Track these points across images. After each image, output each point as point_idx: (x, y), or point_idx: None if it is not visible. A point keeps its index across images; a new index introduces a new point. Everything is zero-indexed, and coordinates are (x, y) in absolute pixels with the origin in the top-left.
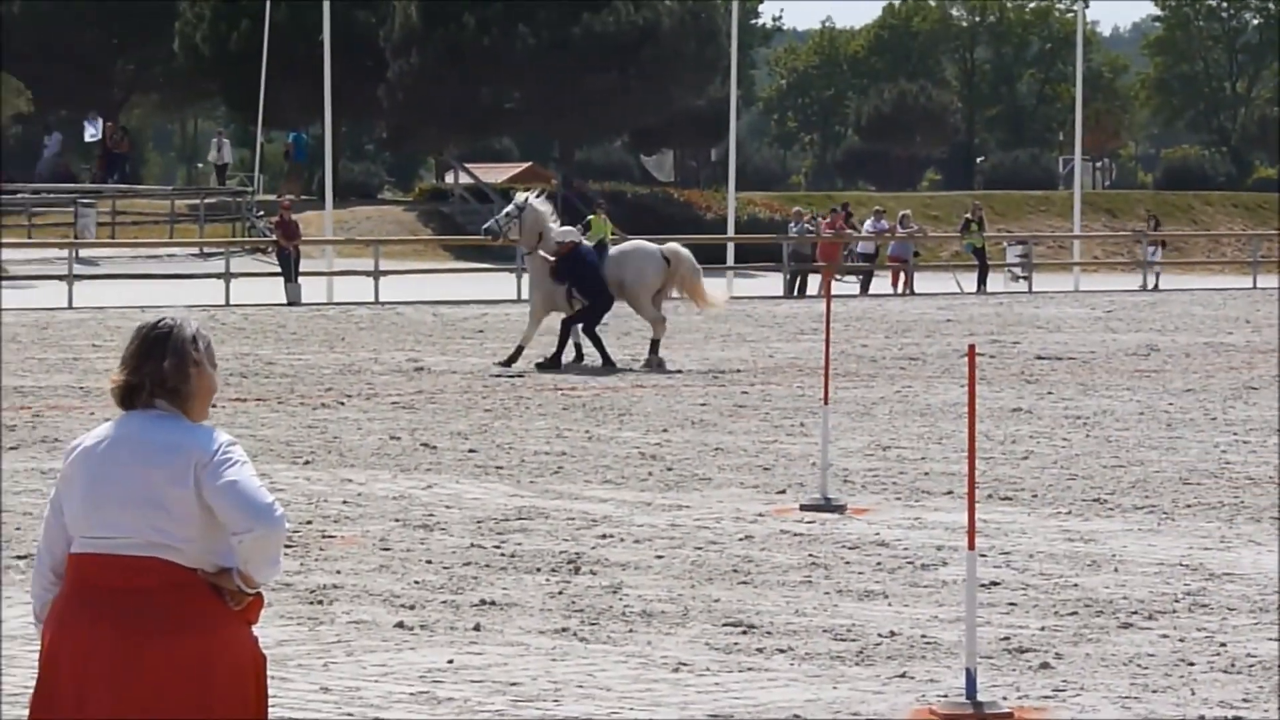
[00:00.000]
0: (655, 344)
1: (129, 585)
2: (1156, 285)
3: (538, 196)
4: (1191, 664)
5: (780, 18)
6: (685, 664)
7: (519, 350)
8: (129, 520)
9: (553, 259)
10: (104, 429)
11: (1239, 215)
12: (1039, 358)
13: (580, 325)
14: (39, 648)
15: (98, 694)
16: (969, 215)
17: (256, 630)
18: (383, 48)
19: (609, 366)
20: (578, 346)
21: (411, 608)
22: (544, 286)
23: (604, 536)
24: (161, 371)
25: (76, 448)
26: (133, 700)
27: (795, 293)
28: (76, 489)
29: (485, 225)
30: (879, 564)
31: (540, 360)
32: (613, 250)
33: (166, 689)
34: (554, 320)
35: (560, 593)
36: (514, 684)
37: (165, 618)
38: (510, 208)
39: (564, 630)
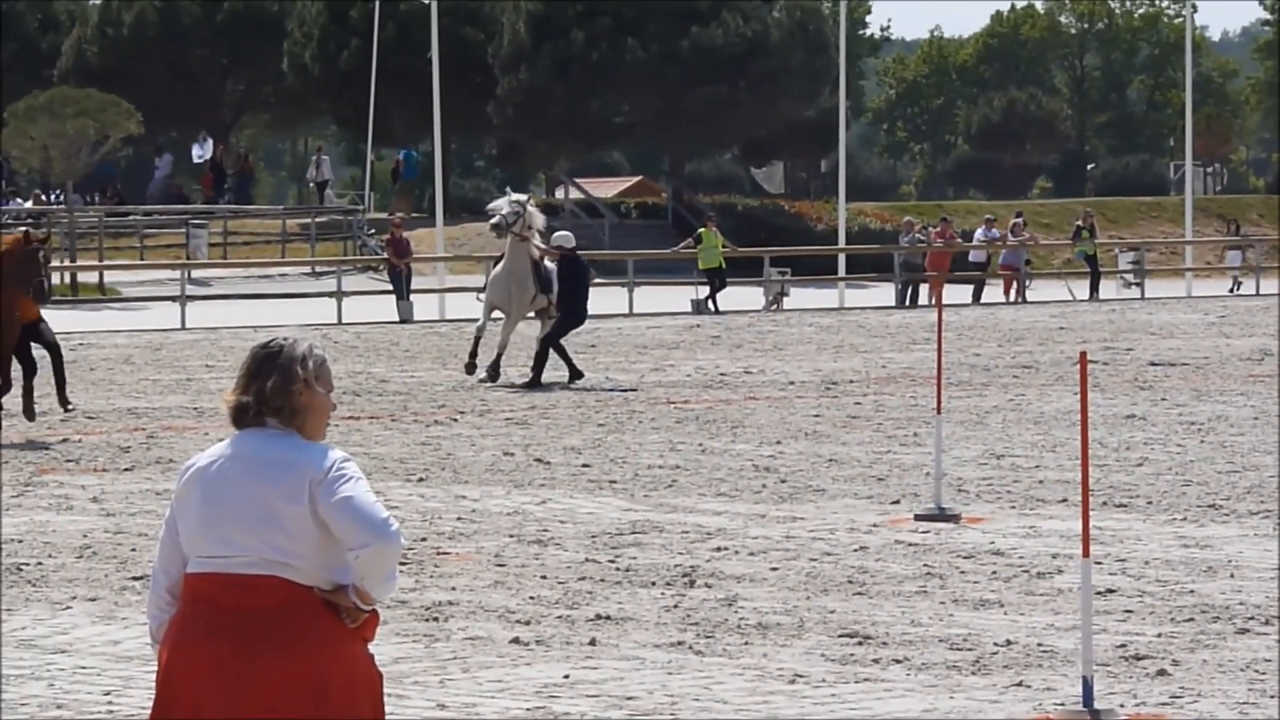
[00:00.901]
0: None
1: (246, 604)
2: (1235, 289)
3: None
4: None
5: (889, 27)
6: (801, 675)
7: (498, 358)
8: (244, 538)
9: (548, 259)
10: (218, 448)
11: None
12: (1152, 364)
13: (550, 338)
14: (155, 668)
15: (214, 712)
16: (1080, 222)
17: (373, 648)
18: (491, 64)
19: (578, 377)
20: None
21: (527, 623)
22: (525, 286)
23: (718, 549)
24: (266, 390)
25: (190, 467)
26: (249, 718)
27: (907, 303)
28: (191, 508)
29: (493, 221)
30: (994, 573)
31: (525, 380)
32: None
33: (282, 707)
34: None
35: (675, 606)
36: (630, 698)
37: (281, 635)
38: (512, 202)
39: (680, 644)
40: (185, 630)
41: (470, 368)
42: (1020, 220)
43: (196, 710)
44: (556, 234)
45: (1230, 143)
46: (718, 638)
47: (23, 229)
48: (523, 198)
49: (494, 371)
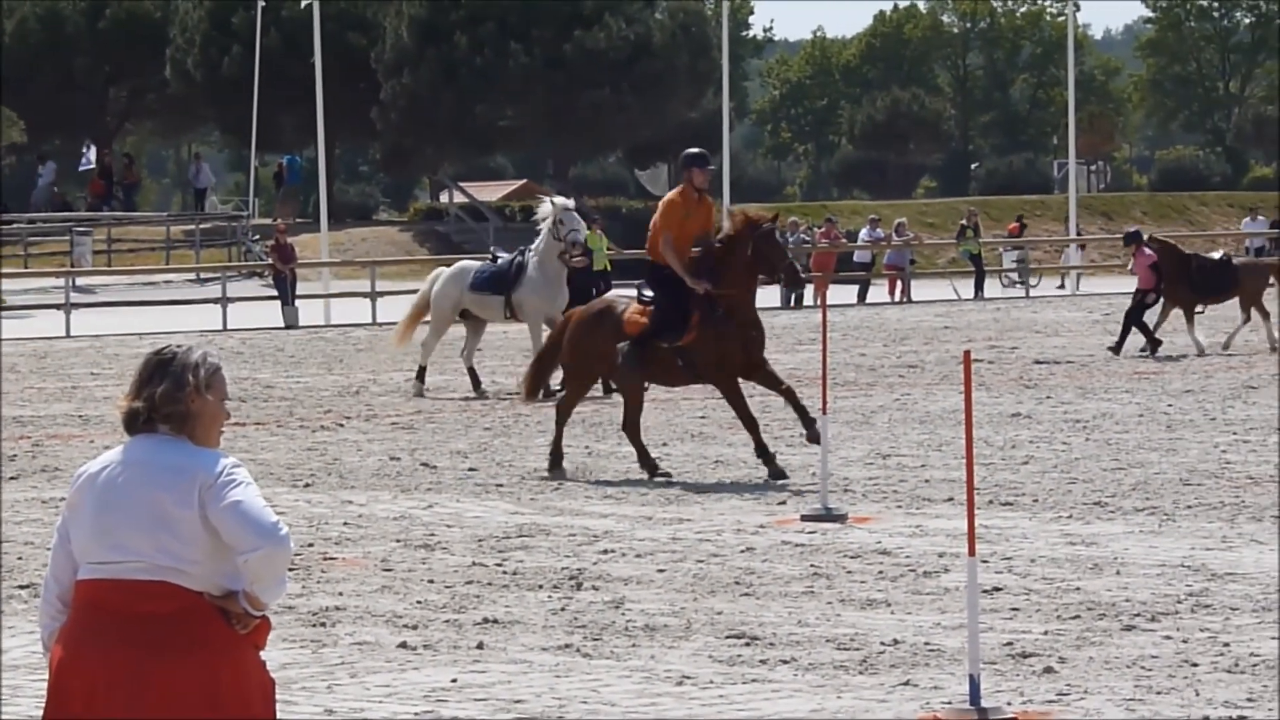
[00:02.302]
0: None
1: (137, 610)
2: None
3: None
4: (1195, 665)
5: (771, 28)
6: (689, 677)
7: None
8: (136, 543)
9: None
10: (110, 455)
11: (1236, 215)
12: (1037, 362)
13: None
14: (45, 675)
15: (106, 717)
16: (964, 222)
17: (261, 654)
18: (375, 69)
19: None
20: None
21: (414, 628)
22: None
23: (605, 552)
24: (157, 397)
25: (83, 474)
26: None
27: (792, 303)
28: (83, 515)
29: (578, 241)
30: (881, 572)
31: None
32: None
33: (175, 713)
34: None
35: (563, 609)
36: (518, 701)
37: (173, 642)
38: (570, 218)
39: (567, 646)
40: (76, 637)
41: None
42: (903, 220)
43: (89, 716)
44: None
45: (1113, 141)
46: (605, 640)
47: None
48: (571, 204)
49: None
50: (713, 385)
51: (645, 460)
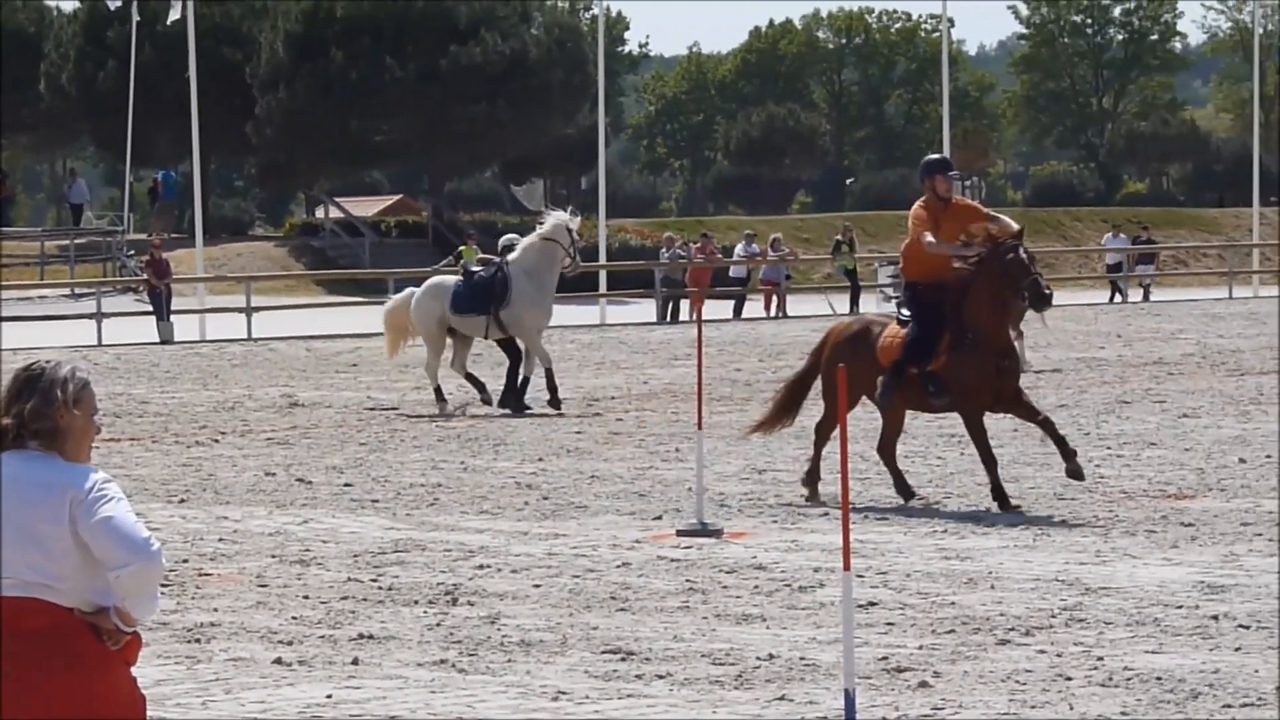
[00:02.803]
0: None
1: (9, 626)
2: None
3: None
4: (1069, 679)
5: (647, 44)
6: (564, 692)
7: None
8: (7, 559)
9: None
10: None
11: (1108, 230)
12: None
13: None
14: None
15: None
16: (840, 237)
17: (134, 670)
18: (251, 84)
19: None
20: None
21: (289, 643)
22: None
23: (481, 567)
24: (26, 413)
25: None
26: None
27: (668, 319)
28: None
29: (575, 255)
30: (756, 587)
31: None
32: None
33: None
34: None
35: (438, 624)
36: (393, 717)
37: (44, 658)
38: (565, 230)
39: (443, 662)
40: None
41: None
42: (779, 236)
43: None
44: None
45: (988, 156)
46: (481, 655)
47: None
48: (574, 222)
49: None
50: (957, 414)
51: (900, 485)
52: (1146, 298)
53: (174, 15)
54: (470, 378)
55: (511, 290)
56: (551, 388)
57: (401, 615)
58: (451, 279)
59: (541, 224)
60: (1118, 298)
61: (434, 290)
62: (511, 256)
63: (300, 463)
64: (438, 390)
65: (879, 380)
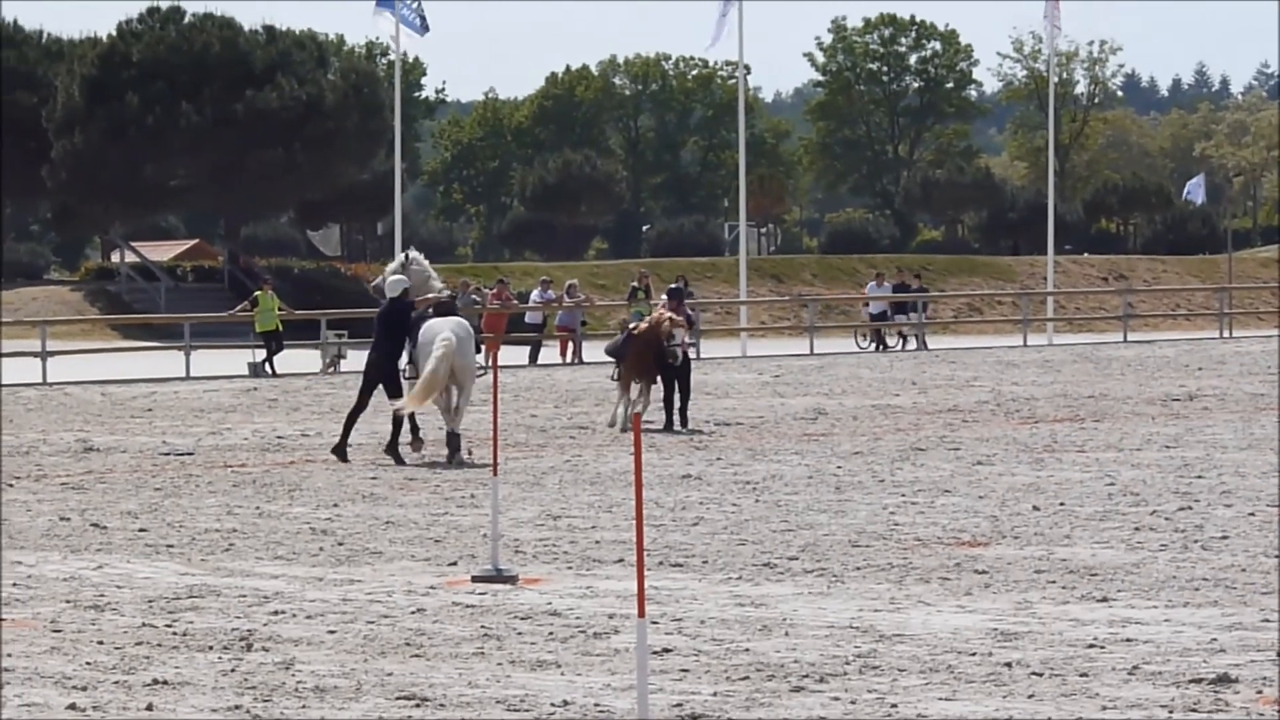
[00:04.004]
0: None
1: None
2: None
3: (414, 251)
4: None
5: (443, 90)
6: None
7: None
8: None
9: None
10: None
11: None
12: (716, 424)
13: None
14: None
15: None
16: (636, 283)
17: None
18: (46, 127)
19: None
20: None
21: (84, 689)
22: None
23: (276, 613)
24: None
25: None
26: None
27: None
28: None
29: (374, 283)
30: (551, 633)
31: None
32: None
33: None
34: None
35: (233, 670)
36: None
37: None
38: (396, 266)
39: (237, 708)
40: None
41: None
42: (574, 282)
43: None
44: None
45: (784, 203)
46: (275, 701)
47: None
48: (407, 256)
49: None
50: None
51: None
52: (921, 346)
53: None
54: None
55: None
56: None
57: (196, 661)
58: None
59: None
60: (883, 345)
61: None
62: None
63: (95, 507)
64: (412, 429)
65: None
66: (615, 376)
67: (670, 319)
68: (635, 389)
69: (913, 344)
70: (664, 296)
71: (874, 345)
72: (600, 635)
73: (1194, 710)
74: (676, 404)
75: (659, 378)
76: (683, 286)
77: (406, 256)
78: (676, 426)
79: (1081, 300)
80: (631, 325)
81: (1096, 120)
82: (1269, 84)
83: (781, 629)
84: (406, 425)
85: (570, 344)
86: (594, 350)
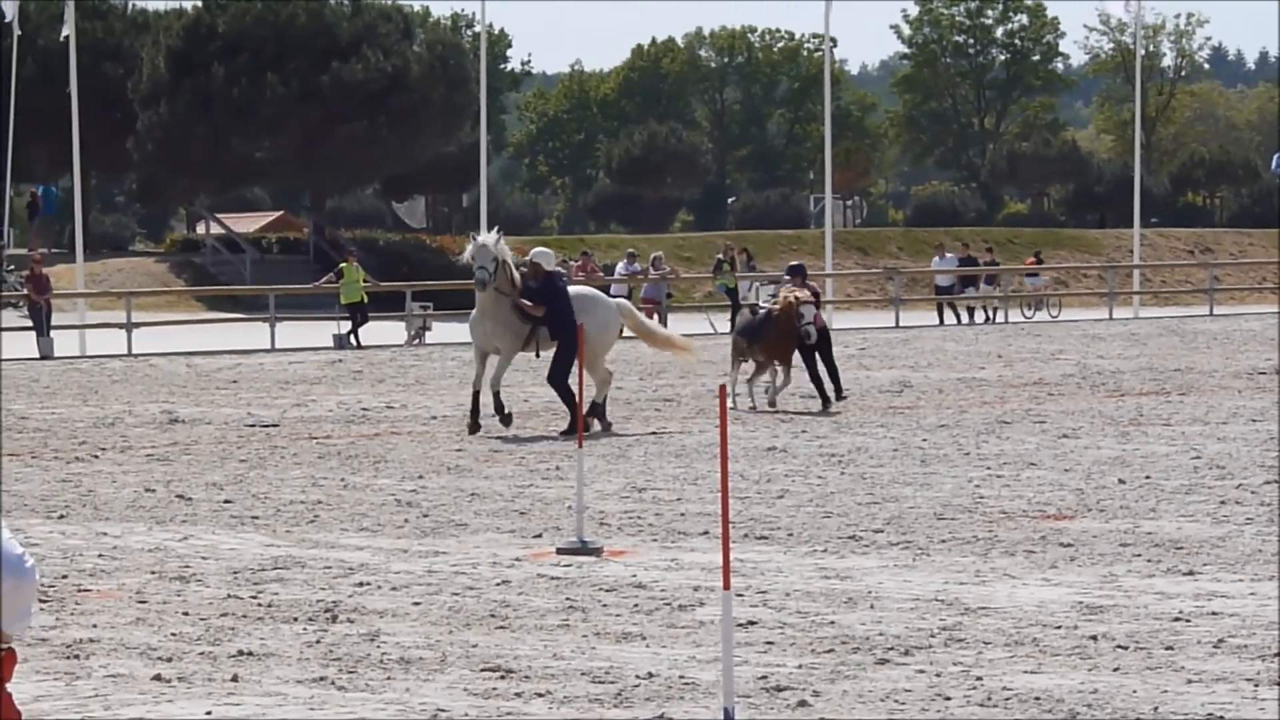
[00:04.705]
0: (601, 405)
1: None
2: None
3: (493, 231)
4: (948, 698)
5: (529, 62)
6: (444, 710)
7: (490, 399)
8: None
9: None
10: None
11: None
12: (802, 397)
13: (552, 378)
14: None
15: None
16: (722, 256)
17: (11, 687)
18: (131, 99)
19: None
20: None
21: (169, 660)
22: (506, 323)
23: (361, 584)
24: None
25: None
26: None
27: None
28: None
29: (479, 279)
30: (636, 606)
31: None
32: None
33: None
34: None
35: (318, 641)
36: None
37: None
38: (481, 248)
39: (322, 679)
40: None
41: (474, 427)
42: (660, 254)
43: None
44: (534, 251)
45: (869, 176)
46: (360, 673)
47: None
48: (491, 240)
49: (501, 410)
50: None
51: None
52: (989, 319)
53: (66, 31)
54: (498, 397)
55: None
56: (475, 408)
57: (281, 632)
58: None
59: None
60: (951, 319)
61: None
62: None
63: (180, 479)
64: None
65: None
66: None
67: (797, 297)
68: (777, 371)
69: (980, 317)
70: (785, 275)
71: (940, 318)
72: (685, 608)
73: (1279, 684)
74: (827, 381)
75: (802, 359)
76: (801, 264)
77: (494, 239)
78: (834, 401)
79: (1167, 274)
80: (762, 306)
81: (1183, 93)
82: None
83: (866, 602)
84: (490, 400)
85: (655, 316)
86: (678, 323)
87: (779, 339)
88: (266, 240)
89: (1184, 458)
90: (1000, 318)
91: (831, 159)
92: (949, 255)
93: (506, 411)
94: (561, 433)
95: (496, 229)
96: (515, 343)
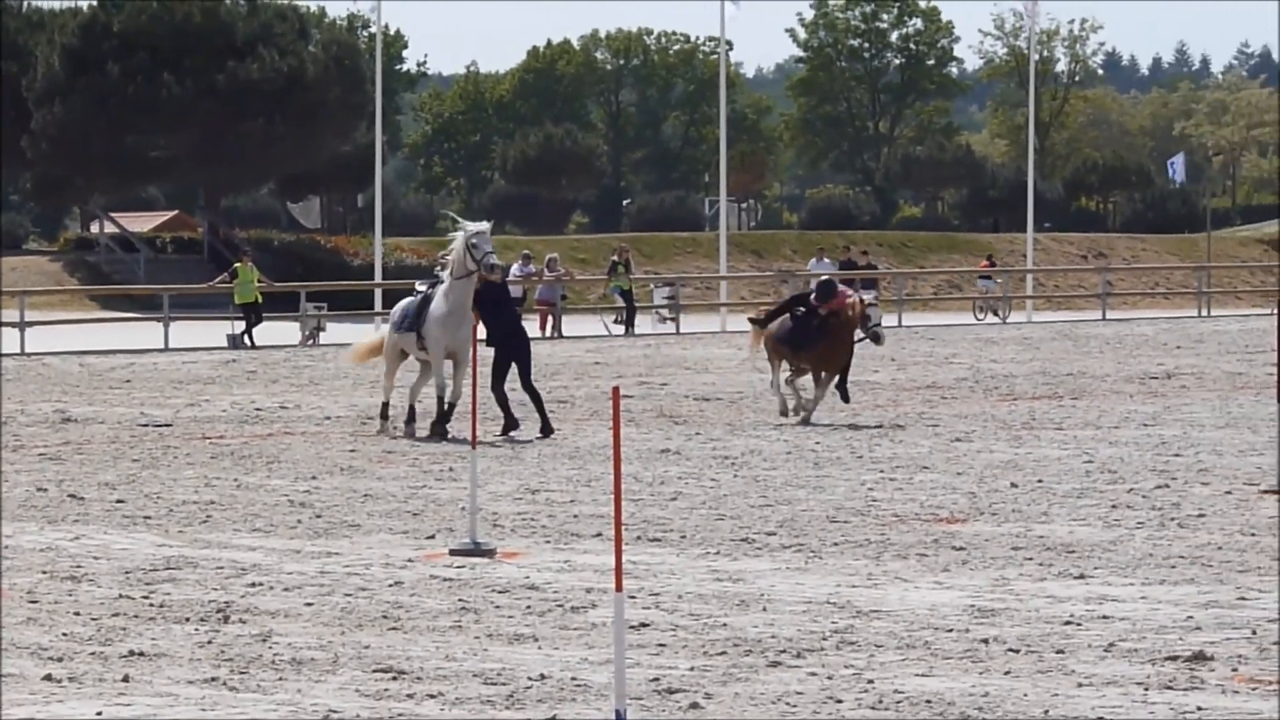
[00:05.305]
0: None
1: None
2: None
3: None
4: (840, 701)
5: (425, 63)
6: (335, 711)
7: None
8: None
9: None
10: None
11: (884, 254)
12: (696, 400)
13: (492, 383)
14: None
15: None
16: (616, 258)
17: None
18: (26, 97)
19: (513, 427)
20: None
21: (60, 660)
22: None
23: (253, 585)
24: None
25: None
26: None
27: None
28: None
29: (495, 265)
30: (529, 607)
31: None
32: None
33: None
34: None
35: (210, 642)
36: None
37: None
38: (483, 235)
39: (214, 680)
40: None
41: (412, 432)
42: (555, 256)
43: None
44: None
45: (764, 179)
46: (252, 673)
47: None
48: (485, 228)
49: (443, 426)
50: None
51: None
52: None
53: None
54: (411, 409)
55: (429, 308)
56: (441, 414)
57: (173, 632)
58: (407, 300)
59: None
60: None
61: (394, 313)
62: (444, 274)
63: (72, 478)
64: (385, 405)
65: None
66: (786, 371)
67: (863, 299)
68: (820, 378)
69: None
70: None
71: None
72: (578, 609)
73: (1169, 687)
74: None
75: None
76: (833, 280)
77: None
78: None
79: (1061, 278)
80: (801, 309)
81: (1077, 98)
82: (1249, 63)
83: (759, 604)
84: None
85: (550, 318)
86: (573, 325)
87: (837, 345)
88: (161, 239)
89: (1076, 462)
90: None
91: (727, 162)
92: (826, 260)
93: (415, 422)
94: (502, 434)
95: (488, 225)
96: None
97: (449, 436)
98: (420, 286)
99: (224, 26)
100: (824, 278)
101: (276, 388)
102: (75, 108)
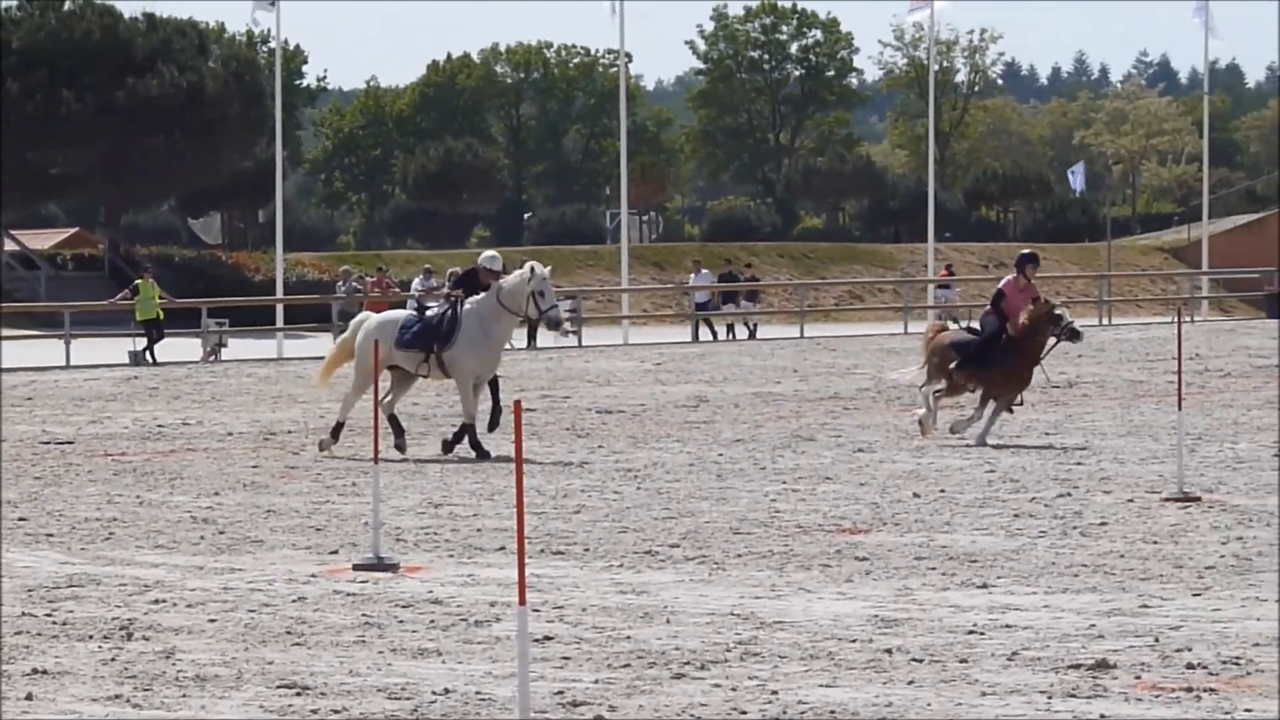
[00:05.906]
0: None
1: None
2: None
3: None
4: (744, 712)
5: (325, 78)
6: None
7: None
8: None
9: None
10: None
11: (785, 265)
12: (596, 411)
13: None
14: None
15: None
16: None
17: None
18: None
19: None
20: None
21: None
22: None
23: (156, 602)
24: None
25: None
26: None
27: None
28: None
29: (563, 324)
30: (432, 621)
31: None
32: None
33: None
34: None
35: (113, 659)
36: None
37: None
38: (549, 290)
39: (117, 697)
40: None
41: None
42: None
43: None
44: (484, 255)
45: (666, 190)
46: (155, 690)
47: None
48: (546, 274)
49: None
50: None
51: None
52: (751, 336)
53: None
54: (393, 420)
55: (459, 332)
56: (473, 442)
57: (76, 650)
58: (404, 314)
59: (508, 274)
60: (705, 335)
61: (385, 326)
62: (474, 298)
63: None
64: (340, 425)
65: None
66: (935, 384)
67: (1048, 301)
68: (997, 402)
69: (743, 333)
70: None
71: (695, 334)
72: (481, 623)
73: (1073, 695)
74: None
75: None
76: (1034, 253)
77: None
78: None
79: (961, 287)
80: (975, 326)
81: (977, 108)
82: (1148, 72)
83: (663, 616)
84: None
85: None
86: None
87: (1022, 366)
88: (61, 256)
89: (978, 471)
90: (761, 334)
91: (628, 174)
92: (704, 271)
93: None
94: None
95: (548, 267)
96: None
97: (488, 453)
98: (417, 290)
99: (123, 43)
100: (1024, 252)
101: (178, 404)
102: None
